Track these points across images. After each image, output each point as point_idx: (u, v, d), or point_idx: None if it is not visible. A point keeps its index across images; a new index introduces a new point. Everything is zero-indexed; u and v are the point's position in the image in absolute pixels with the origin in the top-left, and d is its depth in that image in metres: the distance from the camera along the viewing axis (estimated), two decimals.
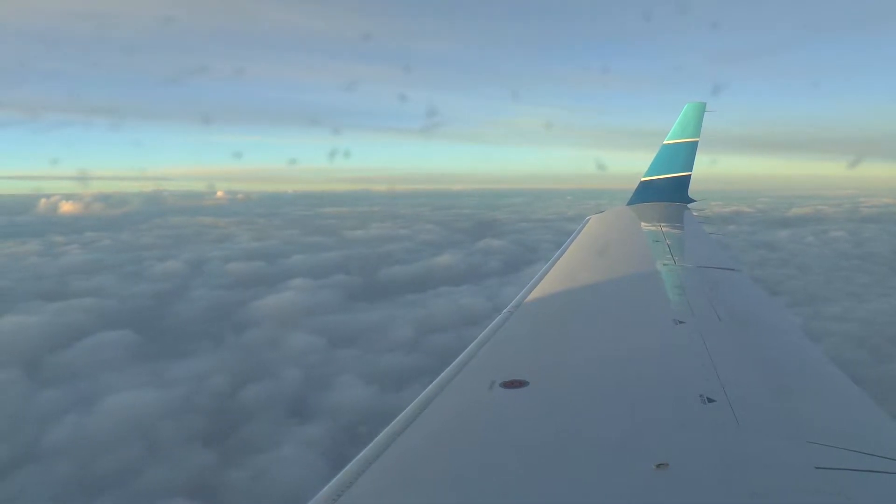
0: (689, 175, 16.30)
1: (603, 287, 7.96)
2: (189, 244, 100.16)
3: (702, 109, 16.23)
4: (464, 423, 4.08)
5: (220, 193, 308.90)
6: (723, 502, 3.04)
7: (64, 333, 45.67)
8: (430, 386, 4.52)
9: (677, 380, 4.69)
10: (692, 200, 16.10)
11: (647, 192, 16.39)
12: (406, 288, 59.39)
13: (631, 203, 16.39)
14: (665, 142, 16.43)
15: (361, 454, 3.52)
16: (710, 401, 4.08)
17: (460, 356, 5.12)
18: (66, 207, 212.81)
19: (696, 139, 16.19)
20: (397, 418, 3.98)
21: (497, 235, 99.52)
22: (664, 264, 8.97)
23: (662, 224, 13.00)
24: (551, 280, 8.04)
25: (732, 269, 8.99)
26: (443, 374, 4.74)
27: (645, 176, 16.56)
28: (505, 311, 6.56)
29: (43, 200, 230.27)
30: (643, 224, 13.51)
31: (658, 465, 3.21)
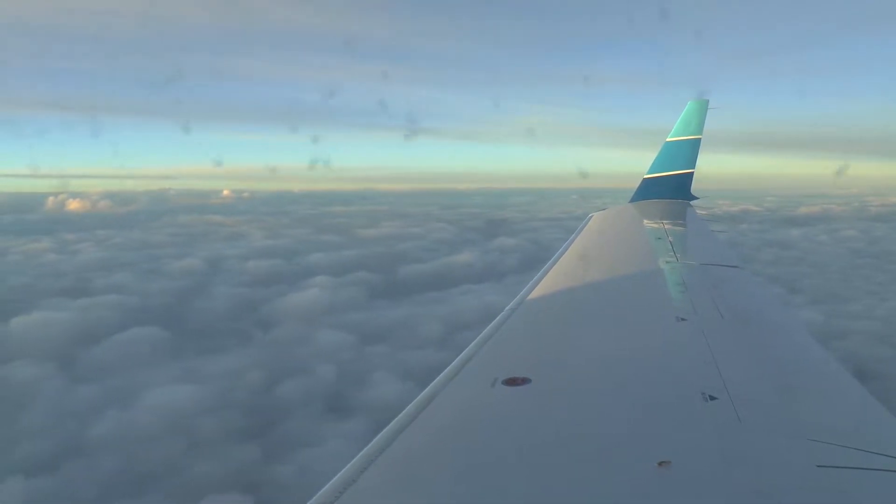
0: (692, 172, 16.28)
1: (605, 284, 8.01)
2: (202, 242, 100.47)
3: (705, 107, 16.22)
4: (466, 421, 4.08)
5: (226, 192, 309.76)
6: (725, 500, 3.08)
7: (92, 330, 46.02)
8: (433, 383, 4.54)
9: (679, 377, 4.72)
10: (695, 198, 16.09)
11: (649, 190, 16.38)
12: (427, 286, 59.57)
13: (633, 200, 16.38)
14: (668, 139, 16.43)
15: (364, 451, 3.54)
16: (713, 398, 4.10)
17: (463, 353, 5.13)
18: (74, 205, 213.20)
19: (699, 136, 16.18)
20: (400, 415, 3.99)
21: (510, 234, 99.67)
22: (666, 261, 9.00)
23: (665, 221, 13.01)
24: (554, 277, 8.03)
25: (735, 267, 9.03)
26: (445, 372, 4.75)
27: (648, 173, 16.55)
28: (507, 308, 6.57)
29: (50, 199, 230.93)
30: (646, 221, 13.51)
31: (660, 463, 3.23)
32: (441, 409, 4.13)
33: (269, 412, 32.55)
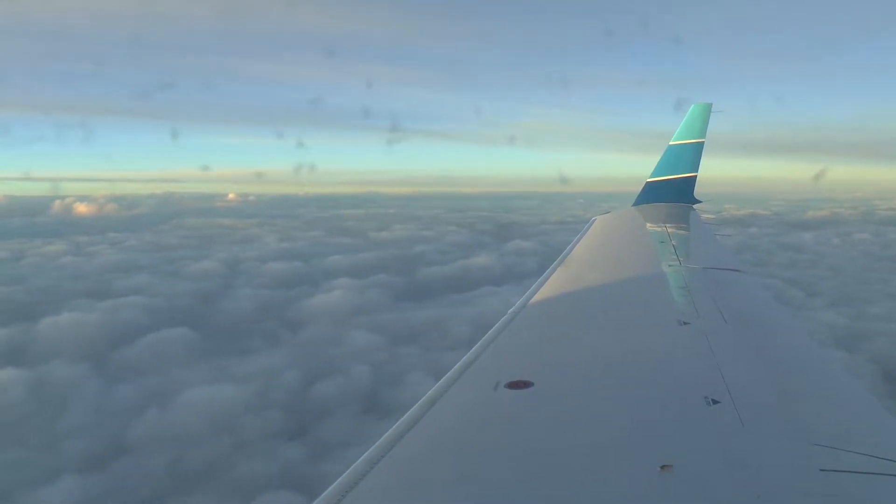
0: (695, 176, 16.34)
1: (608, 288, 8.01)
2: (216, 245, 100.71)
3: (708, 110, 16.23)
4: (469, 424, 4.09)
5: (231, 195, 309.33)
6: None
7: (123, 331, 46.31)
8: (436, 386, 4.56)
9: (682, 381, 4.71)
10: (698, 201, 16.18)
11: (652, 193, 16.46)
12: (448, 288, 59.68)
13: (636, 204, 16.46)
14: (671, 142, 16.45)
15: (366, 454, 3.56)
16: (715, 402, 4.11)
17: (465, 356, 5.16)
18: (81, 209, 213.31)
19: (702, 140, 16.21)
20: (403, 418, 4.02)
21: (524, 237, 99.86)
22: (669, 265, 9.01)
23: (668, 225, 13.07)
24: (557, 281, 8.08)
25: (738, 271, 9.07)
26: (448, 375, 4.76)
27: (651, 177, 16.60)
28: (510, 311, 6.62)
29: (57, 202, 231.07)
30: (649, 225, 13.56)
31: (662, 467, 3.25)
32: (444, 412, 4.18)
33: (308, 412, 32.81)
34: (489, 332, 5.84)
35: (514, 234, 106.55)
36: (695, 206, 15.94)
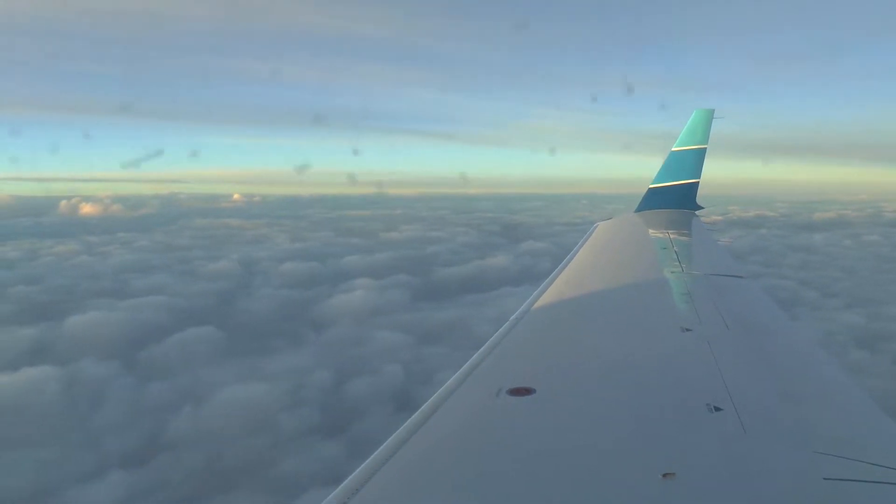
0: (698, 182, 16.31)
1: (610, 294, 7.96)
2: (228, 245, 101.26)
3: (710, 116, 16.21)
4: (470, 431, 4.04)
5: (236, 196, 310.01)
6: None
7: (148, 330, 46.75)
8: (437, 392, 4.51)
9: (684, 388, 4.70)
10: (700, 207, 16.14)
11: (655, 200, 16.36)
12: (466, 288, 59.98)
13: (639, 210, 16.37)
14: (673, 149, 16.37)
15: (368, 461, 3.54)
16: (717, 409, 4.11)
17: (467, 363, 5.10)
18: (86, 209, 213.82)
19: (705, 146, 16.17)
20: (404, 425, 3.98)
21: (536, 238, 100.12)
22: (672, 272, 9.01)
23: (670, 231, 13.03)
24: (559, 287, 8.01)
25: (740, 277, 9.04)
26: (450, 381, 4.71)
27: (653, 183, 16.50)
28: (512, 317, 6.51)
29: (63, 202, 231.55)
30: (651, 231, 13.51)
31: (664, 475, 3.24)
32: (445, 418, 4.14)
33: (343, 411, 33.06)
34: (491, 338, 5.77)
35: (524, 235, 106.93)
36: (697, 213, 15.90)
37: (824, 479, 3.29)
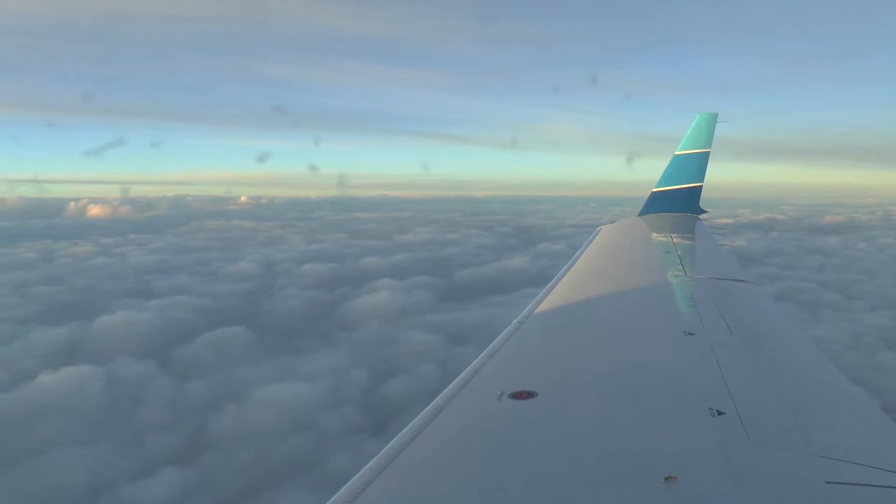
0: (701, 186, 16.41)
1: (613, 298, 7.94)
2: (243, 247, 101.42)
3: (713, 120, 16.28)
4: (472, 434, 4.06)
5: (243, 198, 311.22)
6: None
7: (178, 329, 47.04)
8: (440, 396, 4.56)
9: (687, 392, 4.69)
10: (704, 211, 16.26)
11: (658, 203, 16.49)
12: (487, 289, 59.97)
13: (642, 214, 16.48)
14: (676, 152, 16.49)
15: (370, 463, 3.57)
16: (720, 413, 4.12)
17: (470, 366, 5.14)
18: (95, 211, 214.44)
19: (708, 150, 16.25)
20: (406, 428, 4.02)
21: (551, 240, 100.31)
22: (675, 275, 9.01)
23: (674, 235, 13.08)
24: (561, 291, 7.99)
25: (744, 281, 9.04)
26: (452, 384, 4.76)
27: (656, 187, 16.63)
28: (515, 321, 6.58)
29: (71, 204, 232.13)
30: (654, 235, 13.57)
31: (667, 478, 3.25)
32: (447, 421, 4.17)
33: (384, 410, 33.08)
34: (494, 342, 5.84)
35: (538, 237, 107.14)
36: (700, 216, 16.03)
37: (826, 482, 3.31)
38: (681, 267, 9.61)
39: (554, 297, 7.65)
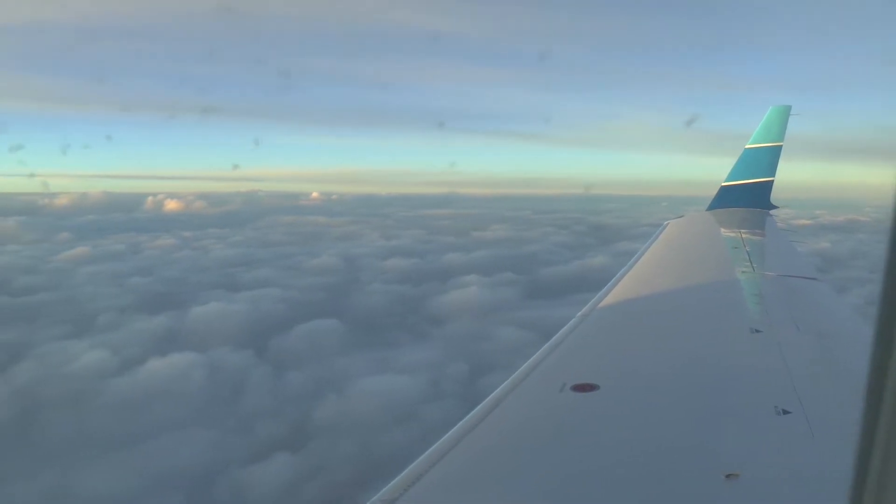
0: (772, 180, 15.97)
1: (678, 293, 7.90)
2: (321, 242, 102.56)
3: (786, 113, 15.83)
4: (533, 425, 4.09)
5: (314, 195, 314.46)
6: None
7: (271, 321, 47.79)
8: (502, 386, 4.60)
9: (752, 389, 4.60)
10: (774, 207, 15.77)
11: (727, 198, 16.14)
12: (573, 287, 59.31)
13: (711, 208, 16.14)
14: (747, 146, 16.11)
15: (430, 450, 3.64)
16: (786, 412, 4.01)
17: (533, 357, 5.22)
18: (171, 206, 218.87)
19: (780, 143, 15.81)
20: (468, 416, 4.07)
21: (629, 239, 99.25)
22: (742, 271, 8.90)
23: (742, 230, 12.82)
24: (627, 285, 8.07)
25: (814, 279, 8.81)
26: (515, 375, 4.79)
27: (726, 181, 16.27)
28: (579, 314, 6.68)
29: (150, 198, 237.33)
30: (722, 230, 13.34)
31: (728, 475, 3.19)
32: (509, 411, 4.21)
33: None
34: (557, 334, 5.94)
35: (615, 235, 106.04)
36: (771, 212, 15.61)
37: None
38: (749, 263, 9.53)
39: (619, 290, 7.76)
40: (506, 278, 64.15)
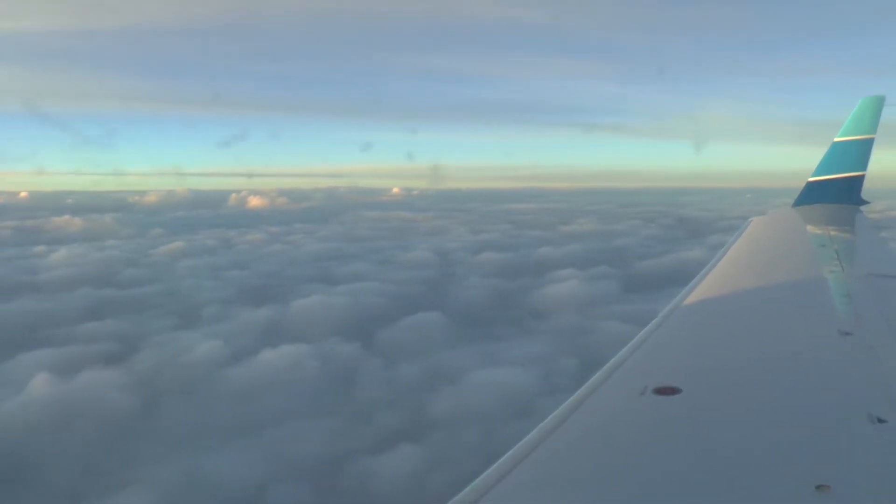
0: (863, 175, 15.16)
1: (764, 293, 7.59)
2: (409, 236, 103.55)
3: (880, 104, 14.99)
4: (613, 428, 3.97)
5: (395, 190, 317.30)
6: None
7: (374, 314, 48.32)
8: (583, 388, 4.51)
9: (842, 395, 4.39)
10: (865, 202, 15.01)
11: (814, 193, 15.42)
12: (670, 281, 58.80)
13: (797, 204, 15.50)
14: (836, 139, 15.33)
15: (510, 452, 3.50)
16: (881, 421, 3.79)
17: (613, 358, 5.06)
18: (254, 202, 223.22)
19: (872, 136, 14.99)
20: (548, 418, 3.95)
21: (721, 232, 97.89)
22: (831, 271, 8.51)
23: (831, 228, 12.29)
24: (710, 284, 7.76)
25: None
26: (595, 376, 4.69)
27: (813, 176, 15.54)
28: (661, 314, 6.40)
29: (233, 195, 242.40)
30: (809, 227, 12.85)
31: (818, 487, 3.03)
32: (588, 414, 4.10)
33: None
34: (639, 335, 5.70)
35: (705, 228, 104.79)
36: (862, 208, 14.88)
37: None
38: (837, 262, 9.13)
39: (702, 289, 7.49)
40: (602, 272, 63.81)
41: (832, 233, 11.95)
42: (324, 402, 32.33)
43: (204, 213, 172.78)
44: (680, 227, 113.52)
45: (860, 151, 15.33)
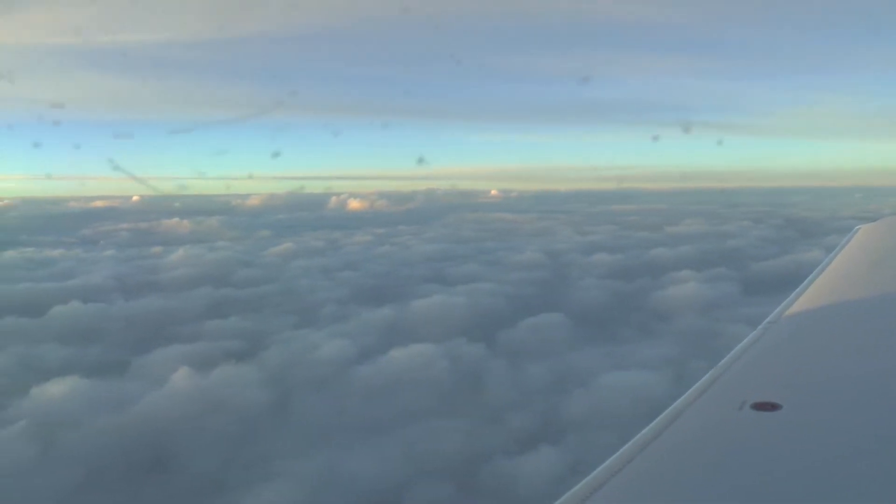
0: None
1: (870, 305, 7.19)
2: (515, 237, 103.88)
3: None
4: (708, 444, 3.89)
5: (493, 192, 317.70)
6: None
7: (494, 314, 48.59)
8: (679, 400, 4.37)
9: None
10: None
11: None
12: (792, 283, 57.46)
13: None
14: None
15: (606, 463, 3.47)
16: None
17: (711, 371, 4.90)
18: (354, 205, 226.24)
19: None
20: (644, 430, 3.91)
21: (836, 232, 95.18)
22: None
23: None
24: (814, 295, 7.42)
25: None
26: (692, 389, 4.55)
27: None
28: (761, 326, 6.16)
29: (333, 198, 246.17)
30: None
31: None
32: (682, 430, 4.00)
33: None
34: (737, 347, 5.54)
35: (816, 229, 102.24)
36: None
37: None
38: None
39: (805, 300, 7.25)
40: (719, 273, 62.86)
41: None
42: (455, 402, 32.45)
43: (305, 215, 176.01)
44: (790, 227, 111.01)
45: None
